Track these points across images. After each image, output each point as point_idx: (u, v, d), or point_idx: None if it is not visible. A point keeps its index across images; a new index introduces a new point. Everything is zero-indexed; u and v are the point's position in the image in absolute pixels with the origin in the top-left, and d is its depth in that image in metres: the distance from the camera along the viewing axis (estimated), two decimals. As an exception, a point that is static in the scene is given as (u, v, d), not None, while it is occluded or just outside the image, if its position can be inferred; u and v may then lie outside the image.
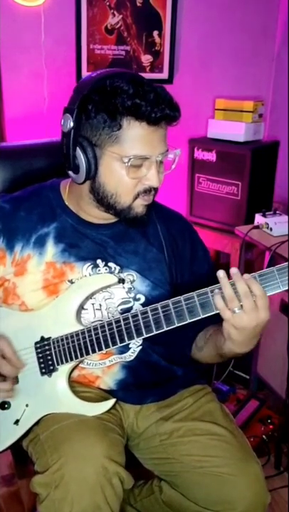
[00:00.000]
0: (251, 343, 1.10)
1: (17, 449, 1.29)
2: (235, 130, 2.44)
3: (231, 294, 1.04)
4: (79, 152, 1.14)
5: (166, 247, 1.30)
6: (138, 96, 1.08)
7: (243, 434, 1.28)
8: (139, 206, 1.19)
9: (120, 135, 1.11)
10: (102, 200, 1.19)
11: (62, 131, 1.16)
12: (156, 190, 1.20)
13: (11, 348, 1.21)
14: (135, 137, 1.11)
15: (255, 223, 2.16)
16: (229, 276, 1.05)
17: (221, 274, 1.05)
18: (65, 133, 1.16)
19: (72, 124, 1.13)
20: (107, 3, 2.34)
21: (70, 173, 1.19)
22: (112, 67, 2.40)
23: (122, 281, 1.25)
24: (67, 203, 1.27)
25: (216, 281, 1.07)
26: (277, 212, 2.19)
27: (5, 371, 1.19)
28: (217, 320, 1.10)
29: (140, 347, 1.28)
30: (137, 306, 1.26)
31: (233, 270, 1.05)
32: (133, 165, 1.13)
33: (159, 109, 1.09)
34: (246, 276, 1.05)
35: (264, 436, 1.99)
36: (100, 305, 1.25)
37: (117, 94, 1.08)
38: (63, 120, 1.16)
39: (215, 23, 2.59)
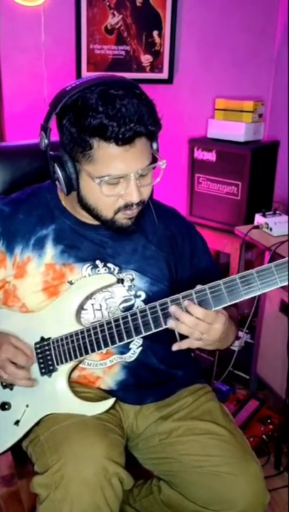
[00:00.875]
0: (228, 340, 1.17)
1: (17, 449, 1.29)
2: (235, 130, 2.44)
3: (189, 329, 1.08)
4: (57, 168, 1.13)
5: (164, 244, 1.30)
6: (105, 114, 1.03)
7: (242, 434, 1.28)
8: (122, 219, 1.18)
9: (92, 155, 1.08)
10: (88, 211, 1.19)
11: (40, 149, 1.16)
12: (140, 203, 1.16)
13: (23, 343, 1.22)
14: (107, 158, 1.08)
15: (255, 223, 2.16)
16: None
17: (172, 308, 1.08)
18: (42, 151, 1.15)
19: (46, 141, 1.13)
20: (107, 3, 2.34)
21: (56, 183, 1.18)
22: (112, 67, 2.43)
23: (121, 281, 1.25)
24: (64, 205, 1.27)
25: (217, 272, 1.06)
26: (277, 212, 2.19)
27: (20, 361, 1.20)
28: None
29: (140, 347, 1.28)
30: (139, 303, 1.26)
31: (172, 308, 1.08)
32: (109, 183, 1.11)
33: (127, 128, 1.04)
34: (185, 303, 1.08)
35: (264, 436, 1.99)
36: (100, 305, 1.25)
37: (85, 111, 1.05)
38: (39, 138, 1.15)
39: (215, 23, 2.59)
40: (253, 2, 2.63)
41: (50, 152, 1.15)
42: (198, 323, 1.07)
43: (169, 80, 2.55)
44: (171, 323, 1.09)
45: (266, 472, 1.27)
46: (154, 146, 1.16)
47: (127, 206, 1.15)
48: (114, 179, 1.10)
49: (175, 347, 1.11)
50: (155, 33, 2.48)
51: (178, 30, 2.51)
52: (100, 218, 1.18)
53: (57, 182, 1.17)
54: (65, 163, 1.12)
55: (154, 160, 1.16)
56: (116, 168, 1.09)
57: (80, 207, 1.21)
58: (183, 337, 1.33)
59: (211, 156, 2.49)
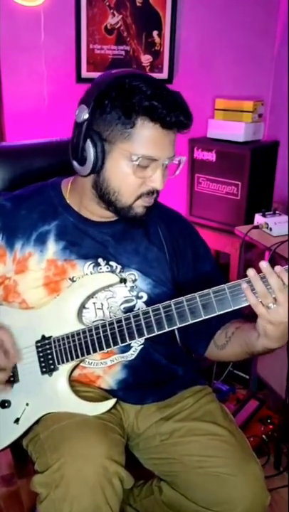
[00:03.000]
0: (287, 336, 1.09)
1: (16, 448, 1.29)
2: (235, 130, 2.44)
3: (264, 291, 1.03)
4: (89, 144, 1.14)
5: (167, 246, 1.30)
6: (156, 98, 1.08)
7: (243, 435, 1.28)
8: (140, 207, 1.20)
9: (133, 133, 1.11)
10: (104, 196, 1.19)
11: (76, 122, 1.16)
12: (157, 193, 1.20)
13: (11, 340, 1.21)
14: (147, 137, 1.11)
15: (255, 223, 2.16)
16: (258, 270, 1.04)
17: (251, 272, 1.04)
18: (78, 123, 1.16)
19: (86, 116, 1.13)
20: (107, 3, 2.34)
21: (75, 164, 1.19)
22: (112, 67, 2.42)
23: (123, 281, 1.25)
24: (68, 201, 1.27)
25: (219, 277, 1.05)
26: (277, 212, 2.19)
27: None
28: (234, 317, 1.10)
29: (142, 346, 1.28)
30: (140, 305, 1.26)
31: (264, 264, 1.04)
32: (140, 165, 1.13)
33: (174, 114, 1.09)
34: (277, 268, 1.03)
35: (264, 436, 1.99)
36: (102, 304, 1.25)
37: (135, 93, 1.09)
38: (78, 111, 1.16)
39: (215, 23, 2.59)
40: (254, 2, 2.63)
41: (84, 128, 1.15)
42: (282, 288, 1.02)
43: (169, 80, 2.55)
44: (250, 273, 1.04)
45: (266, 472, 1.27)
46: None
47: (149, 193, 1.18)
48: (147, 160, 1.13)
49: (252, 299, 1.04)
50: (155, 33, 2.47)
51: (178, 30, 2.51)
52: (118, 204, 1.19)
53: (76, 164, 1.18)
54: (96, 141, 1.14)
55: None
56: (153, 150, 1.12)
57: (91, 195, 1.21)
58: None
59: (210, 156, 2.49)
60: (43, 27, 2.26)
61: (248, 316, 1.24)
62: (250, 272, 1.04)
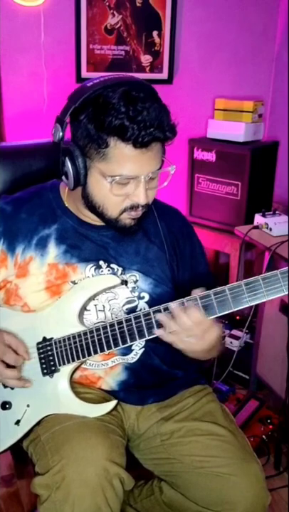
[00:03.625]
0: (214, 353, 1.17)
1: (17, 449, 1.29)
2: (235, 130, 2.44)
3: (178, 329, 1.08)
4: (67, 161, 1.13)
5: (167, 245, 1.30)
6: (127, 116, 1.04)
7: (243, 435, 1.28)
8: (126, 219, 1.18)
9: (107, 153, 1.08)
10: (92, 208, 1.19)
11: (53, 141, 1.15)
12: (145, 205, 1.17)
13: (17, 341, 1.22)
14: (122, 158, 1.08)
15: (255, 223, 2.16)
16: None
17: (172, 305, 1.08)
18: (55, 142, 1.15)
19: (60, 135, 1.13)
20: (107, 4, 2.34)
21: (63, 178, 1.18)
22: (112, 68, 2.43)
23: (125, 282, 1.25)
24: (67, 205, 1.26)
25: (210, 278, 1.04)
26: (277, 212, 2.19)
27: (7, 359, 1.20)
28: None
29: (143, 349, 1.28)
30: (142, 305, 1.26)
31: (172, 305, 1.08)
32: (119, 182, 1.11)
33: (147, 132, 1.05)
34: (186, 305, 1.08)
35: (264, 437, 1.99)
36: (104, 306, 1.25)
37: (107, 110, 1.05)
38: (54, 129, 1.15)
39: (215, 23, 2.59)
40: (253, 2, 2.63)
41: (63, 145, 1.14)
42: (191, 327, 1.07)
43: (169, 80, 2.55)
44: (161, 321, 1.09)
45: (266, 472, 1.27)
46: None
47: (133, 207, 1.16)
48: (125, 179, 1.11)
49: (159, 332, 1.10)
50: (155, 33, 2.47)
51: (178, 31, 2.51)
52: (104, 217, 1.18)
53: (63, 177, 1.17)
54: (76, 158, 1.12)
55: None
56: (129, 169, 1.09)
57: (83, 205, 1.21)
58: None
59: (210, 156, 2.49)
60: (43, 27, 2.26)
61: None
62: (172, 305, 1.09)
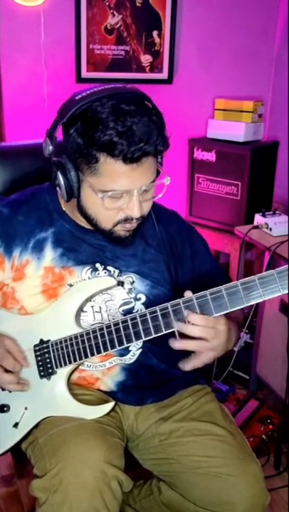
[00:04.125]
0: (225, 347, 1.13)
1: (16, 449, 1.29)
2: (235, 130, 2.44)
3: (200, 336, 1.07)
4: (59, 175, 1.12)
5: (164, 247, 1.30)
6: (116, 132, 1.02)
7: (242, 435, 1.28)
8: (120, 231, 1.18)
9: (98, 168, 1.07)
10: (87, 219, 1.19)
11: (44, 154, 1.15)
12: (140, 218, 1.16)
13: (16, 345, 1.22)
14: (113, 173, 1.07)
15: (255, 223, 2.16)
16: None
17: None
18: (47, 158, 1.14)
19: (50, 149, 1.12)
20: (107, 3, 2.34)
21: (57, 189, 1.18)
22: (112, 68, 2.43)
23: (121, 283, 1.25)
24: (64, 208, 1.26)
25: (221, 275, 1.02)
26: (277, 212, 2.19)
27: (5, 364, 1.20)
28: None
29: (140, 350, 1.28)
30: (139, 306, 1.26)
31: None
32: (111, 197, 1.10)
33: (136, 148, 1.03)
34: (185, 314, 1.07)
35: (264, 437, 1.99)
36: (100, 307, 1.25)
37: (95, 125, 1.03)
38: (44, 144, 1.14)
39: (215, 23, 2.59)
40: (253, 2, 2.63)
41: (54, 158, 1.14)
42: (205, 330, 1.06)
43: (169, 80, 2.54)
44: (179, 344, 1.09)
45: (266, 472, 1.27)
46: (159, 160, 1.15)
47: (127, 220, 1.15)
48: (118, 194, 1.10)
49: (175, 344, 1.09)
50: (155, 33, 2.47)
51: (178, 31, 2.50)
52: (99, 228, 1.18)
53: (58, 188, 1.17)
54: (68, 171, 1.11)
55: (158, 173, 1.16)
56: (121, 185, 1.08)
57: (79, 213, 1.21)
58: (182, 335, 1.33)
59: (210, 156, 2.49)
60: (43, 27, 2.26)
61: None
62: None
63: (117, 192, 1.09)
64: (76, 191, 1.13)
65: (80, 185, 1.13)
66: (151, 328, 1.11)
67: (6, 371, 1.20)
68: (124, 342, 1.14)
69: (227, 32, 2.63)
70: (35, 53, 2.29)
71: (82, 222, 1.24)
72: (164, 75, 2.54)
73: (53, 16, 2.26)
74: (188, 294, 1.09)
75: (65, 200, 1.17)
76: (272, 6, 2.68)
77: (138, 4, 2.39)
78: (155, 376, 1.32)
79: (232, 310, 1.07)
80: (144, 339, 1.13)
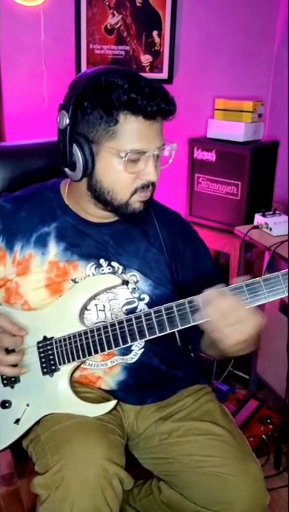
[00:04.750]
0: (252, 345, 1.10)
1: (16, 448, 1.29)
2: (235, 130, 2.44)
3: (215, 315, 1.04)
4: (76, 149, 1.14)
5: (166, 248, 1.30)
6: (134, 90, 1.08)
7: (242, 435, 1.28)
8: (136, 202, 1.19)
9: (117, 130, 1.11)
10: (100, 197, 1.19)
11: (59, 129, 1.17)
12: (154, 186, 1.19)
13: (9, 320, 1.21)
14: (132, 131, 1.11)
15: (255, 223, 2.16)
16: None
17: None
18: (61, 130, 1.16)
19: (67, 121, 1.13)
20: (107, 3, 2.34)
21: (67, 170, 1.19)
22: (112, 67, 2.42)
23: (126, 283, 1.25)
24: (67, 203, 1.27)
25: (218, 277, 1.03)
26: (277, 212, 2.19)
27: (5, 342, 1.19)
28: None
29: (142, 350, 1.28)
30: (142, 306, 1.26)
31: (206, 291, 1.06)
32: (130, 159, 1.13)
33: (155, 103, 1.09)
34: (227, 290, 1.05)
35: (264, 436, 1.99)
36: (104, 306, 1.25)
37: (112, 89, 1.08)
38: (59, 117, 1.16)
39: (214, 23, 2.59)
40: (253, 2, 2.63)
41: (68, 133, 1.15)
42: (227, 313, 1.03)
43: (169, 80, 2.54)
44: (204, 313, 1.05)
45: (266, 472, 1.27)
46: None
47: (144, 187, 1.17)
48: (136, 154, 1.12)
49: (196, 317, 1.07)
50: (155, 33, 2.47)
51: (178, 30, 2.50)
52: (114, 203, 1.18)
53: (67, 170, 1.18)
54: (82, 145, 1.13)
55: None
56: (139, 143, 1.12)
57: (87, 198, 1.21)
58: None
59: (210, 156, 2.49)
60: (43, 27, 2.25)
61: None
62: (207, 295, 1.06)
63: (136, 150, 1.12)
64: (91, 165, 1.15)
65: (95, 159, 1.15)
66: (156, 326, 1.11)
67: (7, 351, 1.20)
68: (128, 340, 1.14)
69: (227, 32, 2.63)
70: (35, 53, 2.29)
71: (87, 214, 1.25)
72: (164, 74, 2.54)
73: (53, 16, 2.26)
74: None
75: (76, 179, 1.18)
76: (272, 6, 2.68)
77: (138, 4, 2.39)
78: (156, 376, 1.32)
79: None
80: (148, 338, 1.13)
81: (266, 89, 2.78)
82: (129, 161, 1.13)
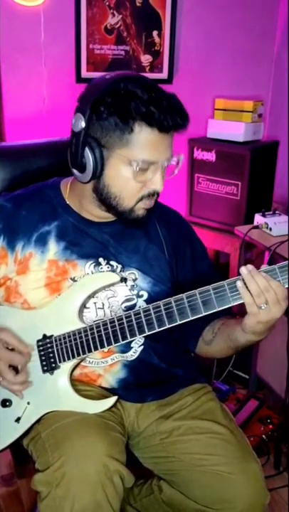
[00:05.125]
0: (270, 330, 1.13)
1: (16, 448, 1.29)
2: (235, 130, 2.44)
3: (258, 290, 1.05)
4: (87, 152, 1.14)
5: (166, 246, 1.30)
6: (152, 103, 1.09)
7: (243, 433, 1.28)
8: (140, 209, 1.20)
9: (131, 139, 1.11)
10: (105, 201, 1.20)
11: (72, 131, 1.17)
12: (158, 195, 1.21)
13: (16, 338, 1.21)
14: (145, 142, 1.12)
15: (255, 223, 2.16)
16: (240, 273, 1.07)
17: (244, 270, 1.06)
18: (75, 132, 1.16)
19: (83, 125, 1.13)
20: (107, 3, 2.34)
21: (75, 171, 1.19)
22: (112, 67, 2.43)
23: (124, 280, 1.25)
24: (68, 202, 1.27)
25: (217, 276, 1.04)
26: (277, 212, 2.19)
27: (16, 361, 1.20)
28: (221, 314, 1.12)
29: (142, 346, 1.28)
30: (141, 303, 1.26)
31: (249, 267, 1.06)
32: (140, 169, 1.13)
33: (171, 117, 1.10)
34: (262, 271, 1.07)
35: (264, 436, 1.99)
36: (103, 304, 1.25)
37: (131, 98, 1.09)
38: (74, 119, 1.16)
39: (215, 23, 2.60)
40: (253, 2, 2.64)
41: (82, 136, 1.15)
42: (268, 289, 1.05)
43: (169, 80, 2.55)
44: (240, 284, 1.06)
45: (266, 472, 1.27)
46: None
47: (149, 195, 1.18)
48: (146, 164, 1.13)
49: (239, 283, 1.06)
50: (155, 33, 2.48)
51: (177, 30, 2.51)
52: (119, 208, 1.19)
53: (75, 171, 1.18)
54: (94, 148, 1.14)
55: None
56: (151, 154, 1.13)
57: (91, 199, 1.22)
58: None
59: (210, 156, 2.49)
60: (43, 27, 2.26)
61: (236, 314, 1.25)
62: (244, 270, 1.06)
63: (147, 161, 1.13)
64: (100, 169, 1.15)
65: (104, 164, 1.15)
66: (155, 322, 1.12)
67: (13, 368, 1.20)
68: (128, 336, 1.15)
69: (227, 32, 2.63)
70: (35, 53, 2.29)
71: (88, 213, 1.25)
72: (163, 74, 2.54)
73: (52, 16, 2.26)
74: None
75: (85, 182, 1.18)
76: (272, 6, 2.68)
77: (138, 4, 2.40)
78: (156, 374, 1.33)
79: (234, 304, 1.09)
80: (147, 333, 1.13)
81: (266, 89, 2.79)
82: (139, 170, 1.14)
